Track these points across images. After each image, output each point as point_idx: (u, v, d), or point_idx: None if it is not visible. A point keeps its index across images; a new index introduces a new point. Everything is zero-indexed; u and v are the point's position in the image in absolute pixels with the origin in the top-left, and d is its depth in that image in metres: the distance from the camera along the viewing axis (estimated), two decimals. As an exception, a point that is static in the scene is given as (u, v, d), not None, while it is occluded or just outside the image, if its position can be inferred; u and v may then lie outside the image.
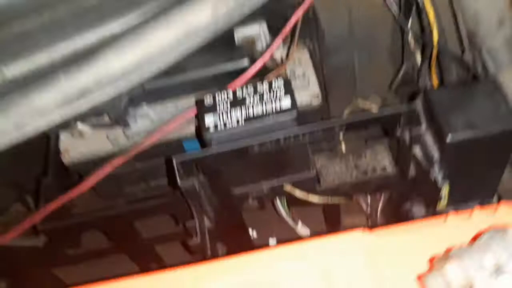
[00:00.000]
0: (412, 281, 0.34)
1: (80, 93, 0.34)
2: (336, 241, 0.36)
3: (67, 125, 0.64)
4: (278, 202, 0.68)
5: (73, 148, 0.66)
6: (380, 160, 0.67)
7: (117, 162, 0.59)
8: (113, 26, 0.39)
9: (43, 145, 0.69)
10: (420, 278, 0.32)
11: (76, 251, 0.67)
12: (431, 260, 0.33)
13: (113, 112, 0.61)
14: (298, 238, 0.75)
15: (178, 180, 0.53)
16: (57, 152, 0.66)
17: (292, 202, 0.68)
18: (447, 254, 0.31)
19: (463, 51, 0.59)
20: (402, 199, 0.67)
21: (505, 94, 0.49)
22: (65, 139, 0.67)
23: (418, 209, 0.67)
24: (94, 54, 0.34)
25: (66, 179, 0.68)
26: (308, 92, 0.64)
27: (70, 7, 0.38)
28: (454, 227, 0.36)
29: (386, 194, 0.70)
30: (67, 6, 0.38)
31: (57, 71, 0.33)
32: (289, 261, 0.36)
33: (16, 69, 0.37)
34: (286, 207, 0.69)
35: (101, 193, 0.73)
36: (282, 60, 0.65)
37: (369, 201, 0.71)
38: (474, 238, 0.32)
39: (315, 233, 0.74)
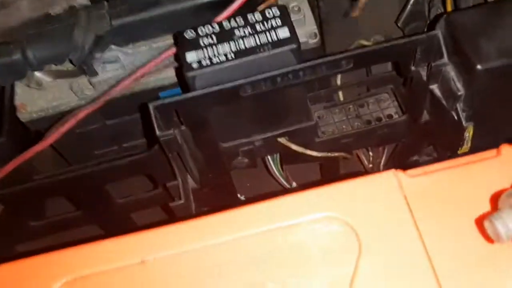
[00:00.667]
0: (469, 225, 0.26)
1: None
2: (364, 186, 0.28)
3: (23, 75, 0.54)
4: (270, 160, 0.60)
5: (31, 102, 0.56)
6: (384, 108, 0.59)
7: (82, 113, 0.50)
8: None
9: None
10: (480, 220, 0.25)
11: (40, 222, 0.57)
12: (494, 199, 0.26)
13: (76, 57, 0.51)
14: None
15: (156, 131, 0.45)
16: (12, 107, 0.56)
17: (286, 160, 0.60)
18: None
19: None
20: (409, 150, 0.59)
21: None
22: (21, 92, 0.57)
23: (427, 160, 0.60)
24: None
25: (25, 138, 0.58)
26: (304, 30, 0.55)
27: None
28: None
29: (390, 147, 0.63)
30: None
31: None
32: (304, 214, 0.28)
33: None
34: (279, 165, 0.61)
35: (66, 156, 0.64)
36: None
37: (371, 154, 0.64)
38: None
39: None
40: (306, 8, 0.56)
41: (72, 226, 0.58)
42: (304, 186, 0.63)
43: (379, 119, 0.58)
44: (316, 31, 0.56)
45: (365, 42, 0.59)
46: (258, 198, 0.73)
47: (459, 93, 0.43)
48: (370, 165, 0.64)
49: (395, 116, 0.57)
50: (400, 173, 0.29)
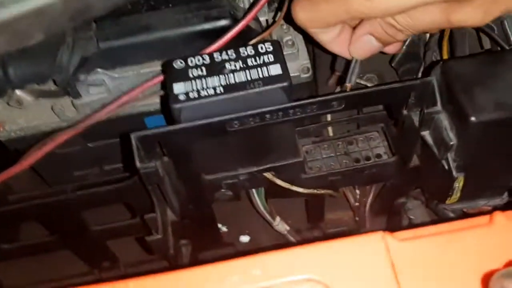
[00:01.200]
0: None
1: None
2: (350, 248, 0.26)
3: (3, 92, 0.52)
4: (254, 194, 0.58)
5: (10, 120, 0.54)
6: (374, 147, 0.58)
7: (62, 137, 0.48)
8: None
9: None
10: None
11: (12, 245, 0.55)
12: (485, 278, 0.24)
13: (60, 77, 0.50)
14: (274, 236, 0.66)
15: (137, 162, 0.43)
16: (-10, 124, 0.54)
17: (271, 194, 0.59)
18: (509, 271, 0.22)
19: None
20: (394, 193, 0.58)
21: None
22: (0, 110, 0.55)
23: (414, 204, 0.59)
24: None
25: (2, 157, 0.56)
26: (297, 64, 0.54)
27: None
28: (505, 230, 0.27)
29: (377, 186, 0.62)
30: None
31: None
32: (285, 275, 0.26)
33: None
34: (263, 199, 0.59)
35: (44, 176, 0.61)
36: (267, 24, 0.55)
37: (358, 193, 0.62)
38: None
39: (294, 230, 0.65)
40: (300, 42, 0.55)
41: (46, 251, 0.56)
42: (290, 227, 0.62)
43: (368, 158, 0.57)
44: (309, 65, 0.55)
45: (357, 80, 0.58)
46: (241, 231, 0.71)
47: (451, 143, 0.42)
48: (357, 204, 0.63)
49: (384, 156, 0.56)
50: (388, 236, 0.27)
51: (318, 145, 0.59)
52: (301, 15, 0.45)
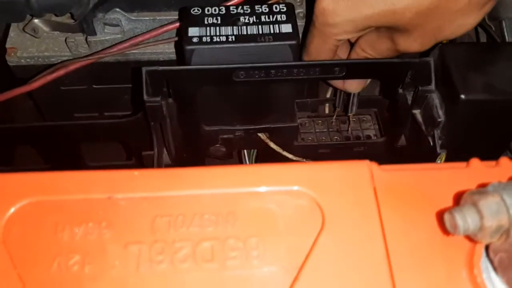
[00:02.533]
0: (430, 219, 0.27)
1: None
2: (337, 169, 0.29)
3: (21, 18, 0.54)
4: (246, 155, 0.60)
5: (22, 47, 0.56)
6: (365, 128, 0.61)
7: (72, 66, 0.50)
8: None
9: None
10: (441, 214, 0.26)
11: (6, 168, 0.56)
12: (457, 197, 0.27)
13: (79, 11, 0.51)
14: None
15: (144, 95, 0.45)
16: (3, 49, 0.56)
17: (261, 158, 0.61)
18: (481, 189, 0.25)
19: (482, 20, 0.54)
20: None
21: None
22: (14, 36, 0.56)
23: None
24: None
25: (7, 82, 0.58)
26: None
27: None
28: (480, 172, 0.30)
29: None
30: None
31: None
32: (274, 184, 0.29)
33: None
34: (253, 161, 0.61)
35: (45, 112, 0.63)
36: (283, -6, 0.57)
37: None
38: (512, 178, 0.26)
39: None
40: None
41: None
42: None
43: (358, 138, 0.60)
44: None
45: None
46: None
47: (439, 120, 0.45)
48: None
49: (374, 138, 0.59)
50: (373, 165, 0.30)
51: (313, 120, 0.62)
52: None
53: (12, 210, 0.27)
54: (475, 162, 0.31)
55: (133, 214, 0.27)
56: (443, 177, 0.29)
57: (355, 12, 0.43)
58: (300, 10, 0.57)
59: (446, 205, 0.28)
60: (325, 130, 0.61)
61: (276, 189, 0.28)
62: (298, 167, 0.30)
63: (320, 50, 0.48)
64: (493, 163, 0.31)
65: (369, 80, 0.53)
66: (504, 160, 0.31)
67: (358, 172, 0.29)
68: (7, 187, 0.28)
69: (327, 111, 0.63)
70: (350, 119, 0.58)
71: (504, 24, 0.52)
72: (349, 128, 0.59)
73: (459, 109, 0.43)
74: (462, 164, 0.31)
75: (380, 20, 0.43)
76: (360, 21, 0.43)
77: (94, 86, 0.60)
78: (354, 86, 0.52)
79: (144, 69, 0.45)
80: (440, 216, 0.27)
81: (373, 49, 0.47)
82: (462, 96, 0.42)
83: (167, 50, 0.56)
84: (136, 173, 0.29)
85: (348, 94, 0.55)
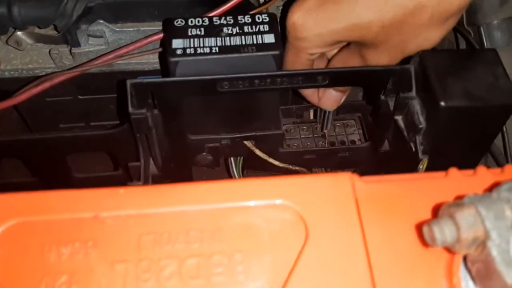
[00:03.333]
0: (409, 231, 0.28)
1: None
2: (319, 182, 0.30)
3: (4, 31, 0.54)
4: (232, 162, 0.61)
5: (6, 60, 0.56)
6: (349, 133, 0.62)
7: (57, 79, 0.50)
8: None
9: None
10: (420, 226, 0.27)
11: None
12: (435, 209, 0.28)
13: (62, 24, 0.52)
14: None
15: (130, 107, 0.45)
16: (-16, 61, 0.56)
17: (248, 165, 0.62)
18: (458, 202, 0.25)
19: (461, 24, 0.55)
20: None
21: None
22: (-3, 47, 0.56)
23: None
24: None
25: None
26: (287, 43, 0.57)
27: None
28: (458, 182, 0.31)
29: (348, 171, 0.65)
30: None
31: None
32: (259, 198, 0.29)
33: None
34: (240, 170, 0.62)
35: (30, 123, 0.63)
36: (265, 2, 0.58)
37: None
38: (489, 189, 0.27)
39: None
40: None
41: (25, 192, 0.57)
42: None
43: (343, 143, 0.60)
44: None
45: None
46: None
47: (420, 126, 0.46)
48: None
49: (358, 143, 0.60)
50: (355, 177, 0.31)
51: (298, 126, 0.62)
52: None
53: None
54: (453, 171, 0.32)
55: (119, 233, 0.28)
56: (422, 187, 0.30)
57: (323, 27, 0.44)
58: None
59: (426, 215, 0.28)
60: (310, 135, 0.62)
61: (260, 203, 0.28)
62: (281, 181, 0.30)
63: (294, 63, 0.49)
64: (470, 171, 0.32)
65: (343, 98, 0.54)
66: (481, 169, 0.32)
67: (340, 184, 0.30)
68: (-6, 209, 0.28)
69: (312, 116, 0.64)
70: (326, 135, 0.59)
71: (482, 30, 0.53)
72: (326, 139, 0.60)
73: (439, 115, 0.44)
74: (441, 174, 0.32)
75: (348, 34, 0.44)
76: (328, 35, 0.45)
77: (80, 97, 0.60)
78: (329, 104, 0.54)
79: (128, 82, 0.45)
80: (419, 228, 0.28)
81: (345, 65, 0.49)
82: (442, 103, 0.43)
83: (152, 60, 0.56)
84: (122, 190, 0.29)
85: (324, 110, 0.56)
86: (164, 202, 0.28)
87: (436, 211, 0.27)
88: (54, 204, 0.29)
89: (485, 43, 0.54)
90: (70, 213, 0.28)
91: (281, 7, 0.58)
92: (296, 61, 0.49)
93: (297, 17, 0.45)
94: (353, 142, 0.61)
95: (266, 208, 0.28)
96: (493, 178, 0.30)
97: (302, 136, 0.62)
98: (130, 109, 0.45)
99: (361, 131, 0.61)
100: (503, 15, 0.53)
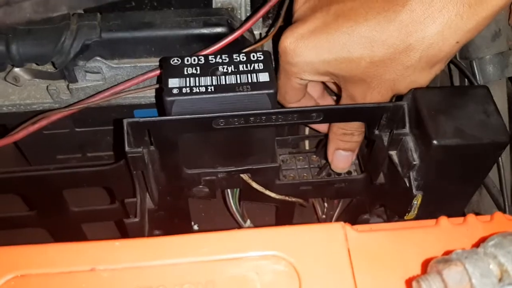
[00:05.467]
0: (400, 284, 0.28)
1: None
2: (313, 232, 0.30)
3: (2, 68, 0.55)
4: (229, 194, 0.61)
5: (4, 95, 0.56)
6: (345, 164, 0.62)
7: (55, 116, 0.51)
8: None
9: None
10: (409, 281, 0.27)
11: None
12: (425, 263, 0.28)
13: (60, 60, 0.52)
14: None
15: (126, 146, 0.46)
16: (-17, 97, 0.56)
17: (245, 197, 0.62)
18: (446, 258, 0.26)
19: (454, 57, 0.56)
20: (362, 208, 0.62)
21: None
22: (-5, 83, 0.57)
23: (377, 221, 0.63)
24: None
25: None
26: (282, 78, 0.58)
27: None
28: (448, 231, 0.31)
29: (344, 202, 0.66)
30: None
31: None
32: (252, 249, 0.30)
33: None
34: (237, 201, 0.63)
35: (28, 155, 0.64)
36: (260, 37, 0.59)
37: (325, 205, 0.66)
38: (476, 244, 0.27)
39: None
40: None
41: (22, 226, 0.58)
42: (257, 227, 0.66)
43: (338, 173, 0.61)
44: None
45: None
46: (211, 230, 0.74)
47: (414, 163, 0.46)
48: (323, 216, 0.67)
49: (354, 173, 0.60)
50: (347, 227, 0.31)
51: (294, 156, 0.63)
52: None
53: (-3, 285, 0.28)
54: (443, 221, 0.32)
55: (115, 286, 0.28)
56: (413, 238, 0.31)
57: (314, 55, 0.45)
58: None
59: (416, 267, 0.29)
60: (306, 166, 0.62)
61: (253, 255, 0.29)
62: (275, 231, 0.31)
63: (286, 86, 0.50)
64: (460, 220, 0.32)
65: (354, 156, 0.55)
66: (470, 217, 0.32)
67: (333, 235, 0.30)
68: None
69: (307, 147, 0.64)
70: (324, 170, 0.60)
71: (474, 64, 0.54)
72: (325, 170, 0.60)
73: (432, 154, 0.44)
74: (431, 222, 0.32)
75: (338, 66, 0.45)
76: (318, 64, 0.45)
77: (77, 129, 0.61)
78: (341, 165, 0.56)
79: (125, 121, 0.45)
80: (409, 283, 0.28)
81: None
82: (434, 142, 0.43)
83: (148, 94, 0.57)
84: (117, 243, 0.30)
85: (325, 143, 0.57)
86: (159, 254, 0.29)
87: (426, 264, 0.28)
88: (52, 257, 0.29)
89: (478, 77, 0.54)
90: (67, 266, 0.29)
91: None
92: (287, 84, 0.49)
93: (289, 42, 0.46)
94: (349, 172, 0.61)
95: (260, 259, 0.29)
96: (482, 227, 0.31)
97: (298, 167, 0.62)
98: (127, 148, 0.45)
99: (357, 161, 0.62)
100: (495, 49, 0.54)
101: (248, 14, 0.60)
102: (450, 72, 0.59)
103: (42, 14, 0.41)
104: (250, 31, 0.57)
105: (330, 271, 0.29)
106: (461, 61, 0.55)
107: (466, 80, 0.57)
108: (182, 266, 0.29)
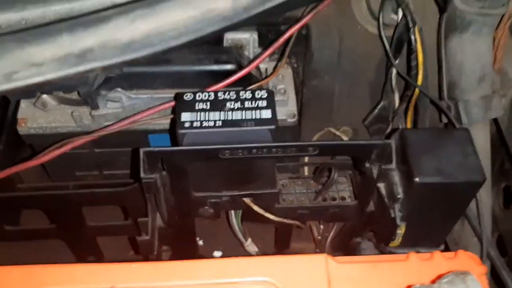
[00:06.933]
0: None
1: (81, 53, 0.32)
2: (299, 262, 0.35)
3: (31, 95, 0.61)
4: (233, 214, 0.66)
5: (32, 118, 0.62)
6: (340, 190, 0.67)
7: (78, 142, 0.56)
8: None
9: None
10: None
11: (14, 228, 0.62)
12: (396, 288, 0.33)
13: (84, 89, 0.58)
14: (244, 255, 0.74)
15: (141, 173, 0.51)
16: (14, 119, 0.62)
17: (247, 217, 0.67)
18: (412, 292, 0.31)
19: (441, 99, 0.61)
20: (354, 232, 0.67)
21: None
22: (25, 108, 0.63)
23: (367, 244, 0.68)
24: (105, 18, 0.32)
25: (18, 150, 0.64)
26: (286, 110, 0.64)
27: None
28: (416, 266, 0.36)
29: (339, 225, 0.71)
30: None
31: (60, 28, 0.31)
32: (248, 275, 0.35)
33: (8, 17, 0.35)
34: (239, 221, 0.68)
35: (50, 171, 0.69)
36: (266, 72, 0.65)
37: (321, 229, 0.71)
38: (434, 280, 0.32)
39: (262, 253, 0.74)
40: (291, 91, 0.65)
41: (44, 237, 0.63)
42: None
43: (333, 199, 0.66)
44: (296, 112, 0.64)
45: (333, 130, 0.67)
46: (215, 245, 0.79)
47: (398, 196, 0.51)
48: (319, 237, 0.72)
49: (348, 199, 0.65)
50: (329, 258, 0.36)
51: (293, 181, 0.68)
52: None
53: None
54: (412, 256, 0.37)
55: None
56: (385, 270, 0.36)
57: None
58: (281, 86, 0.64)
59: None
60: (304, 191, 0.67)
61: (249, 280, 0.34)
62: (268, 260, 0.36)
63: None
64: (428, 255, 0.38)
65: None
66: (436, 254, 0.37)
67: (317, 264, 0.35)
68: (22, 280, 0.34)
69: (306, 173, 0.69)
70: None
71: (460, 105, 0.59)
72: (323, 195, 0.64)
73: (414, 188, 0.49)
74: (402, 257, 0.38)
75: None
76: None
77: (96, 150, 0.67)
78: None
79: (141, 150, 0.51)
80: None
81: None
82: (417, 179, 0.49)
83: (163, 121, 0.62)
84: (134, 265, 0.35)
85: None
86: (168, 277, 0.34)
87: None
88: (78, 275, 0.34)
89: (463, 118, 0.59)
90: (90, 284, 0.34)
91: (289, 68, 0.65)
92: None
93: None
94: (343, 198, 0.66)
95: (254, 284, 0.34)
96: (445, 263, 0.36)
97: (297, 191, 0.67)
98: (142, 174, 0.51)
99: (351, 188, 0.67)
100: (480, 93, 0.59)
101: (255, 50, 0.65)
102: (439, 112, 0.64)
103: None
104: (257, 67, 0.63)
105: (312, 296, 0.34)
106: (449, 101, 0.60)
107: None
108: (185, 286, 0.34)
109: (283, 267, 0.35)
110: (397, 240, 0.53)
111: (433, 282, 0.31)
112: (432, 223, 0.54)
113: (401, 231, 0.52)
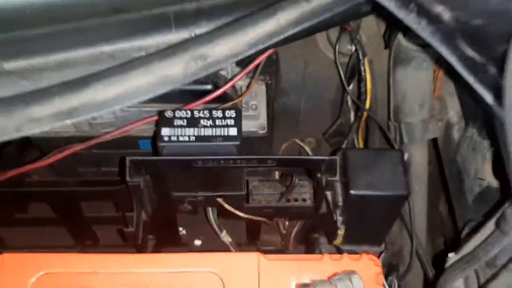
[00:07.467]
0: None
1: (69, 112, 0.42)
2: (237, 258, 0.46)
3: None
4: (209, 210, 0.77)
5: (40, 124, 0.73)
6: (303, 192, 0.78)
7: (77, 147, 0.67)
8: (105, 48, 0.48)
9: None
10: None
11: (23, 215, 0.74)
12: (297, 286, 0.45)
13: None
14: (221, 244, 0.85)
15: (127, 177, 0.62)
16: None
17: (221, 213, 0.78)
18: (306, 283, 0.42)
19: (389, 120, 0.71)
20: (311, 229, 0.78)
21: (406, 165, 0.61)
22: (34, 115, 0.74)
23: (324, 240, 0.79)
24: (86, 83, 0.42)
25: (27, 150, 0.75)
26: (257, 123, 0.74)
27: (72, 24, 0.47)
28: (326, 264, 0.47)
29: (301, 222, 0.81)
30: (69, 23, 0.47)
31: (53, 91, 0.42)
32: (191, 267, 0.46)
33: (14, 65, 0.46)
34: (215, 216, 0.79)
35: (56, 168, 0.81)
36: (241, 90, 0.75)
37: (286, 225, 0.82)
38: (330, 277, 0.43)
39: (235, 243, 0.85)
40: (263, 106, 0.75)
41: (48, 225, 0.75)
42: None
43: (296, 200, 0.76)
44: (265, 124, 0.74)
45: (298, 141, 0.78)
46: (196, 236, 0.90)
47: (339, 203, 0.62)
48: (284, 231, 0.83)
49: (308, 201, 0.76)
50: (261, 256, 0.47)
51: (263, 183, 0.79)
52: None
53: (33, 279, 0.44)
54: (325, 257, 0.48)
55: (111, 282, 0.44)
56: (302, 266, 0.46)
57: None
58: (253, 103, 0.74)
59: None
60: (272, 192, 0.78)
61: (197, 270, 0.45)
62: (212, 256, 0.47)
63: None
64: (339, 256, 0.48)
65: None
66: (345, 256, 0.48)
67: (250, 260, 0.46)
68: (29, 263, 0.45)
69: (277, 176, 0.80)
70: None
71: (402, 127, 0.69)
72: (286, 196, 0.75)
73: (350, 199, 0.60)
74: (318, 256, 0.48)
75: None
76: None
77: (93, 151, 0.78)
78: None
79: (127, 158, 0.62)
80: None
81: None
82: (352, 191, 0.59)
83: (150, 130, 0.73)
84: (112, 256, 0.46)
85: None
86: (137, 266, 0.45)
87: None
88: (71, 262, 0.45)
89: (404, 138, 0.69)
90: (79, 269, 0.45)
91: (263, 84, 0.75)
92: None
93: None
94: (304, 200, 0.76)
95: (200, 274, 0.45)
96: (351, 263, 0.47)
97: (265, 192, 0.78)
98: (128, 178, 0.62)
99: (312, 191, 0.77)
100: (420, 117, 0.69)
101: (233, 70, 0.75)
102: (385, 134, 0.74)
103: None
104: (232, 86, 0.73)
105: (245, 283, 0.45)
106: (394, 123, 0.70)
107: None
108: (151, 274, 0.45)
109: (224, 261, 0.46)
110: (339, 239, 0.64)
111: (329, 279, 0.42)
112: (368, 226, 0.64)
113: (341, 232, 0.63)
